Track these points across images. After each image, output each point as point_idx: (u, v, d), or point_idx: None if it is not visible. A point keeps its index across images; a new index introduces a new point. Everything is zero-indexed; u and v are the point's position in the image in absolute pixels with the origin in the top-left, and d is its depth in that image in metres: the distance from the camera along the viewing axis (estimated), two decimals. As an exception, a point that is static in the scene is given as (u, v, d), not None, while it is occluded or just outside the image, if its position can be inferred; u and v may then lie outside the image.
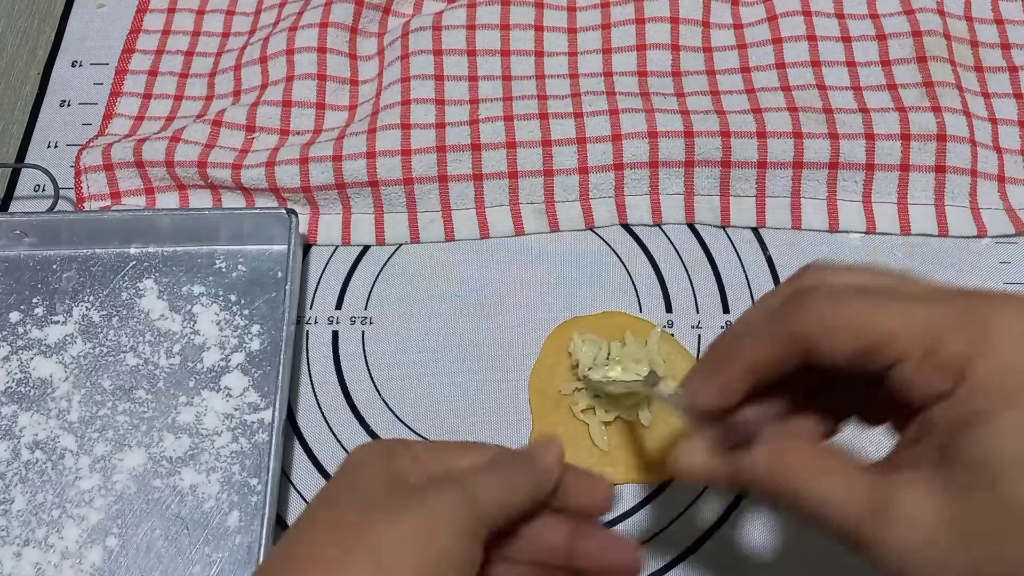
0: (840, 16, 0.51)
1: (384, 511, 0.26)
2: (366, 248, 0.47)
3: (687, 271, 0.46)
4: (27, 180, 0.50)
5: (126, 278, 0.46)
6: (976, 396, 0.21)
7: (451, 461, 0.29)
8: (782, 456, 0.25)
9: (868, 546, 0.22)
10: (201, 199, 0.49)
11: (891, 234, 0.46)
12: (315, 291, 0.46)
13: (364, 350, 0.45)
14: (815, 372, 0.25)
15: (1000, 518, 0.20)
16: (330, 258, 0.47)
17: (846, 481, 0.23)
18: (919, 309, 0.22)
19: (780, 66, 0.49)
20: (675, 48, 0.50)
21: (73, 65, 0.54)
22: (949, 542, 0.21)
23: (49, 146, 0.51)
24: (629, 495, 0.40)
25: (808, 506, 0.24)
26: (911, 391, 0.22)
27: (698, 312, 0.45)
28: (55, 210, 0.47)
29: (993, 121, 0.48)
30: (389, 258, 0.47)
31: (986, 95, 0.49)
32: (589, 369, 0.40)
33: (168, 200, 0.49)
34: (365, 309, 0.46)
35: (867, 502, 0.22)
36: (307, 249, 0.48)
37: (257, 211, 0.46)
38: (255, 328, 0.45)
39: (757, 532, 0.39)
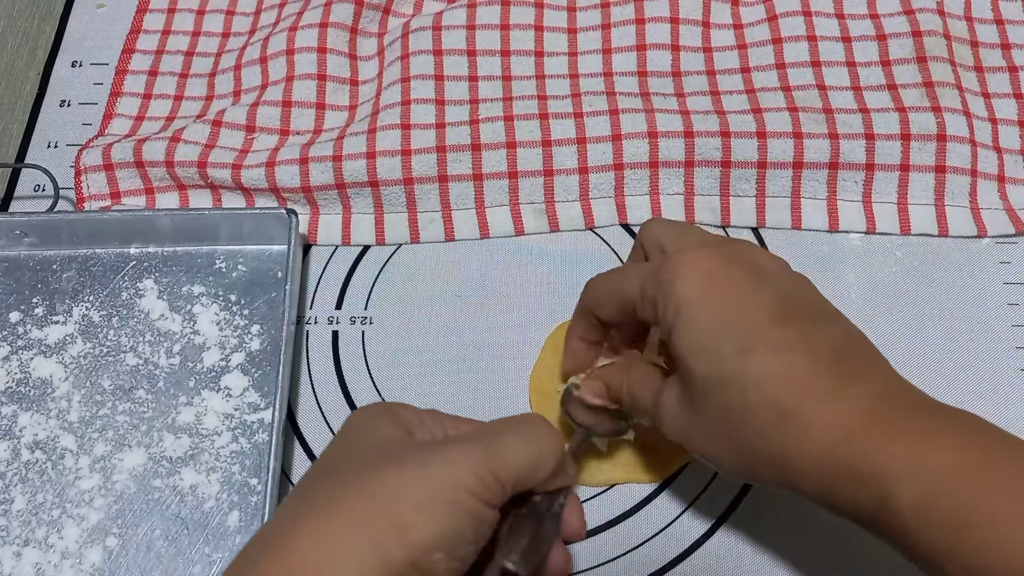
0: (840, 16, 0.51)
1: (402, 462, 0.27)
2: (366, 248, 0.47)
3: (687, 271, 0.46)
4: (27, 180, 0.50)
5: (126, 278, 0.46)
6: (664, 319, 0.32)
7: (454, 427, 0.32)
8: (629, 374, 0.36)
9: (658, 423, 0.34)
10: (201, 199, 0.49)
11: (891, 234, 0.46)
12: (315, 291, 0.46)
13: (364, 350, 0.45)
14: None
15: (690, 387, 0.31)
16: (330, 258, 0.47)
17: (649, 387, 0.34)
18: (639, 274, 0.33)
19: (780, 66, 0.49)
20: (675, 48, 0.50)
21: (73, 65, 0.54)
22: (681, 411, 0.32)
23: (49, 146, 0.51)
24: (629, 495, 0.40)
25: (634, 405, 0.36)
26: (649, 324, 0.36)
27: (698, 312, 0.45)
28: (55, 210, 0.47)
29: (993, 121, 0.48)
30: (389, 258, 0.47)
31: (986, 95, 0.49)
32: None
33: (168, 200, 0.49)
34: (365, 309, 0.46)
35: (654, 397, 0.34)
36: (307, 249, 0.48)
37: (257, 211, 0.46)
38: (255, 328, 0.45)
39: (757, 532, 0.39)
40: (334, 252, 0.47)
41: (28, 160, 0.51)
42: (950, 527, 0.26)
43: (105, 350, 0.44)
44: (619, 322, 0.36)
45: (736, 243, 0.34)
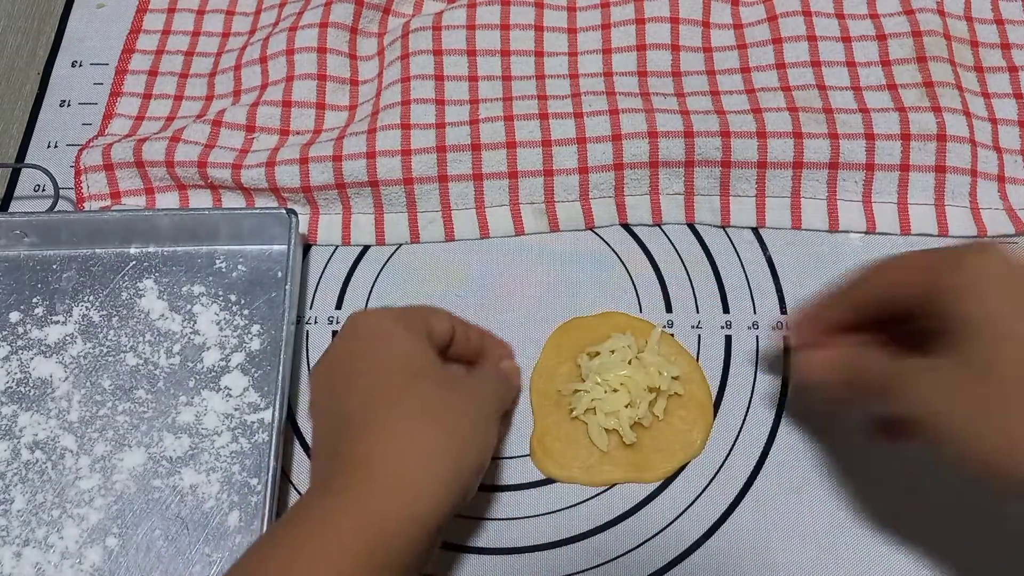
0: (840, 16, 0.51)
1: (460, 389, 0.35)
2: (366, 248, 0.47)
3: (687, 271, 0.46)
4: (27, 180, 0.50)
5: (126, 278, 0.46)
6: (966, 294, 0.30)
7: (487, 349, 0.41)
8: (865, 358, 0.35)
9: (915, 401, 0.31)
10: (201, 199, 0.49)
11: (891, 234, 0.46)
12: (315, 291, 0.46)
13: (364, 350, 0.44)
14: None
15: (984, 356, 0.29)
16: (330, 258, 0.47)
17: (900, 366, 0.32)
18: (921, 255, 0.33)
19: (780, 66, 0.49)
20: (675, 48, 0.50)
21: (73, 65, 0.54)
22: (957, 386, 0.30)
23: (49, 146, 0.51)
24: (629, 495, 0.40)
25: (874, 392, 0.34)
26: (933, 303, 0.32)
27: (698, 312, 0.45)
28: (55, 210, 0.47)
29: (993, 121, 0.48)
30: (389, 258, 0.47)
31: (986, 95, 0.49)
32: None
33: (168, 200, 0.49)
34: (365, 309, 0.46)
35: (911, 377, 0.32)
36: (307, 249, 0.48)
37: (257, 211, 0.46)
38: (255, 328, 0.45)
39: (757, 532, 0.39)
40: (334, 252, 0.47)
41: (28, 160, 0.51)
42: None
43: (105, 350, 0.44)
44: (882, 311, 0.34)
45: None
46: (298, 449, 0.42)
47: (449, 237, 0.47)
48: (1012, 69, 0.49)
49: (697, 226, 0.47)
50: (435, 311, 0.38)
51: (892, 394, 0.32)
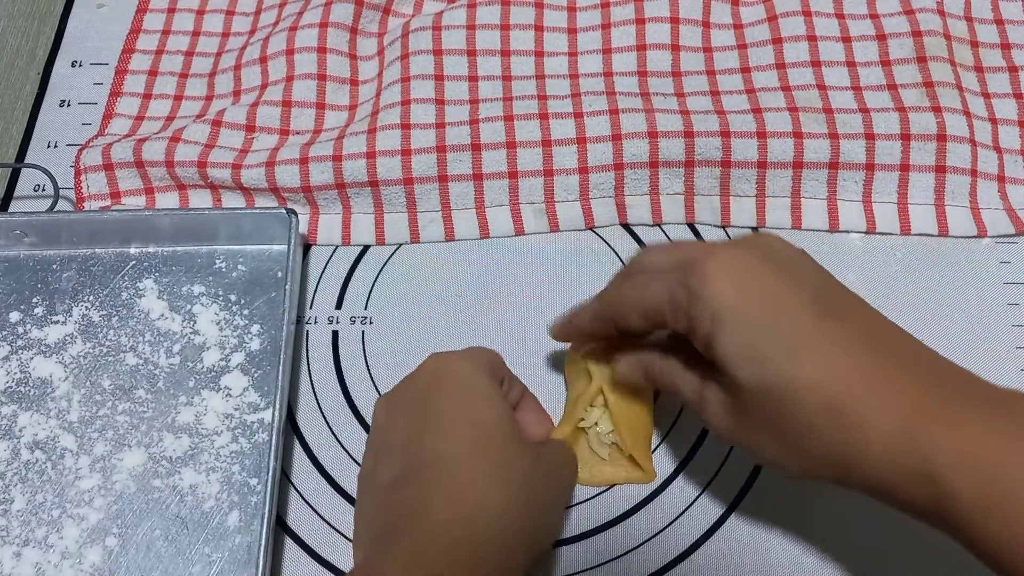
0: (840, 16, 0.51)
1: (523, 452, 0.34)
2: (366, 248, 0.47)
3: (687, 271, 0.46)
4: (27, 180, 0.50)
5: (126, 278, 0.46)
6: (701, 328, 0.31)
7: (530, 416, 0.40)
8: (666, 363, 0.36)
9: (704, 418, 0.33)
10: (201, 199, 0.49)
11: (891, 234, 0.46)
12: (315, 291, 0.46)
13: (364, 350, 0.44)
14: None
15: (737, 394, 0.31)
16: (330, 258, 0.47)
17: (691, 380, 0.34)
18: (663, 282, 0.32)
19: (780, 66, 0.49)
20: (675, 48, 0.50)
21: (73, 65, 0.54)
22: (729, 415, 0.32)
23: (49, 146, 0.51)
24: (629, 495, 0.40)
25: (679, 394, 0.35)
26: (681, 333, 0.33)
27: (698, 312, 0.45)
28: (55, 210, 0.47)
29: (993, 121, 0.48)
30: (389, 258, 0.47)
31: (986, 95, 0.49)
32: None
33: (168, 200, 0.49)
34: (365, 309, 0.46)
35: (698, 393, 0.34)
36: (307, 249, 0.48)
37: (257, 211, 0.46)
38: (255, 328, 0.45)
39: (757, 532, 0.39)
40: (334, 252, 0.47)
41: (28, 160, 0.51)
42: (1011, 517, 0.26)
43: (105, 350, 0.44)
44: (644, 331, 0.35)
45: (760, 237, 0.33)
46: (298, 449, 0.42)
47: (449, 237, 0.47)
48: (1012, 69, 0.49)
49: (697, 226, 0.47)
50: (494, 355, 0.38)
51: (689, 405, 0.34)
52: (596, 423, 0.40)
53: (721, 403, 0.32)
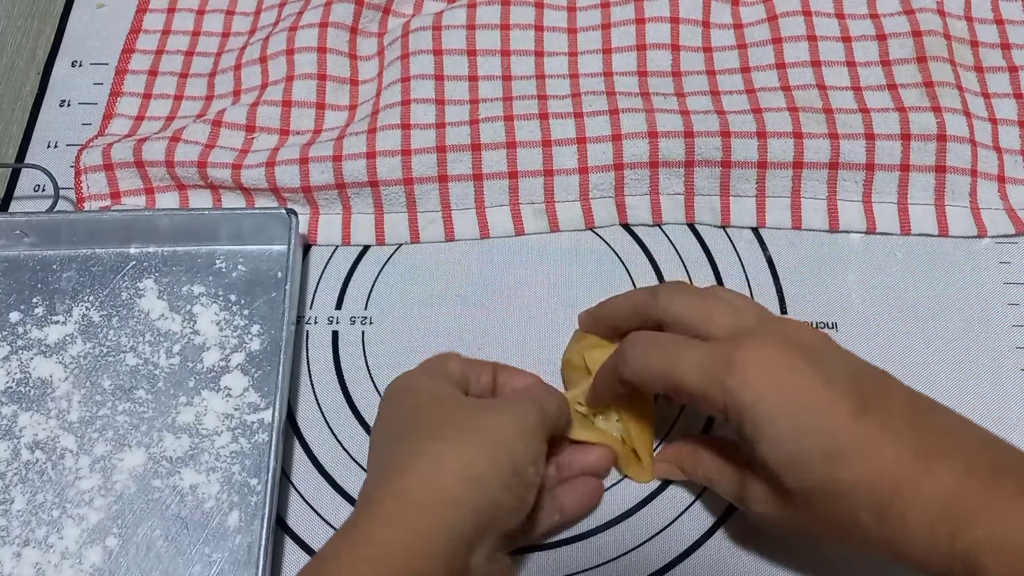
0: (840, 16, 0.51)
1: (491, 407, 0.36)
2: (366, 248, 0.47)
3: (687, 271, 0.46)
4: (27, 180, 0.50)
5: (126, 278, 0.46)
6: (743, 431, 0.32)
7: (511, 380, 0.40)
8: (699, 457, 0.38)
9: (746, 509, 0.35)
10: (201, 199, 0.49)
11: (891, 234, 0.46)
12: (315, 291, 0.46)
13: (364, 350, 0.45)
14: None
15: (782, 494, 0.32)
16: (330, 258, 0.47)
17: (729, 476, 0.36)
18: (695, 365, 0.32)
19: (780, 66, 0.49)
20: (675, 48, 0.50)
21: (73, 65, 0.54)
22: (775, 508, 0.33)
23: (49, 146, 0.51)
24: (629, 495, 0.40)
25: (717, 489, 0.37)
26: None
27: (698, 312, 0.45)
28: (55, 210, 0.47)
29: (993, 121, 0.48)
30: (389, 258, 0.47)
31: (986, 95, 0.49)
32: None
33: (168, 200, 0.49)
34: (365, 309, 0.46)
35: (738, 488, 0.35)
36: (307, 249, 0.48)
37: (257, 211, 0.46)
38: (255, 328, 0.45)
39: (757, 532, 0.39)
40: (334, 252, 0.47)
41: (28, 160, 0.51)
42: None
43: (105, 350, 0.44)
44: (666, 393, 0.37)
45: (783, 326, 0.34)
46: (298, 449, 0.42)
47: (449, 237, 0.47)
48: (1012, 69, 0.49)
49: (697, 226, 0.47)
50: (446, 356, 0.39)
51: (729, 498, 0.36)
52: (602, 417, 0.40)
53: (765, 496, 0.33)
